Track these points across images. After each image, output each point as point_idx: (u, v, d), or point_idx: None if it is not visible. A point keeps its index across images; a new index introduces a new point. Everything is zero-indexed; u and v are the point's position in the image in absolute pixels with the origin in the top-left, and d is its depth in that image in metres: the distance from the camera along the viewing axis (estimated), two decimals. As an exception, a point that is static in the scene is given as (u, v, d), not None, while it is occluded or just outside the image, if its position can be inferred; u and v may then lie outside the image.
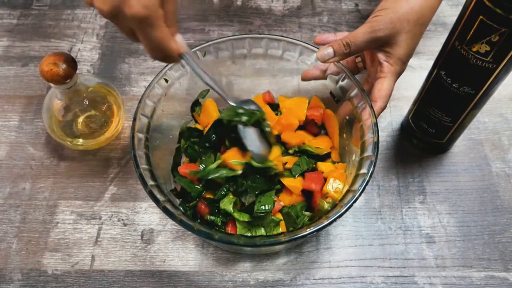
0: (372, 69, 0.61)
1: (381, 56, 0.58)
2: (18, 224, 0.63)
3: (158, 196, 0.50)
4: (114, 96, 0.68)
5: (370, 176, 0.51)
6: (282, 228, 0.56)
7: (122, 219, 0.63)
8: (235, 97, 0.56)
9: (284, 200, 0.58)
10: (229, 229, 0.56)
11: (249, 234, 0.55)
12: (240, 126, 0.56)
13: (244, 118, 0.56)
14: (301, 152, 0.61)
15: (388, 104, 0.58)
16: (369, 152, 0.53)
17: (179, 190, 0.60)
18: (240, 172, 0.56)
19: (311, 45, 0.60)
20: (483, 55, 0.49)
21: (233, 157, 0.57)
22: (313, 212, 0.58)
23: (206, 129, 0.61)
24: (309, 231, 0.47)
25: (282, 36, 0.61)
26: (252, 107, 0.57)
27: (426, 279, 0.59)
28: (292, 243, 0.59)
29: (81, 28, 0.82)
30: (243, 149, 0.57)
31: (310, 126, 0.64)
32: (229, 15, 0.84)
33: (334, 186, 0.57)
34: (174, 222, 0.50)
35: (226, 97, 0.55)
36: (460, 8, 0.50)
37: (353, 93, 0.58)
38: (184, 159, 0.64)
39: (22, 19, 0.83)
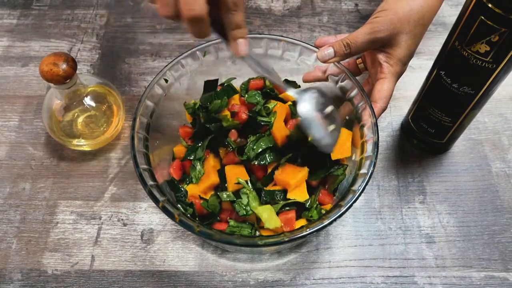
0: (372, 70, 0.61)
1: (381, 57, 0.58)
2: (18, 224, 0.63)
3: (158, 196, 0.50)
4: (114, 96, 0.68)
5: (370, 176, 0.51)
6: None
7: (122, 219, 0.63)
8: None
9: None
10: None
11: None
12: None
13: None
14: None
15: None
16: (369, 152, 0.53)
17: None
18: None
19: (311, 45, 0.60)
20: (483, 55, 0.49)
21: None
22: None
23: None
24: (309, 231, 0.47)
25: (282, 36, 0.61)
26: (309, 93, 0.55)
27: (426, 279, 0.59)
28: (292, 243, 0.59)
29: (81, 28, 0.82)
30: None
31: None
32: (229, 15, 0.83)
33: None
34: (174, 222, 0.50)
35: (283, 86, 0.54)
36: (460, 8, 0.50)
37: (353, 94, 0.58)
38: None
39: (22, 19, 0.83)
